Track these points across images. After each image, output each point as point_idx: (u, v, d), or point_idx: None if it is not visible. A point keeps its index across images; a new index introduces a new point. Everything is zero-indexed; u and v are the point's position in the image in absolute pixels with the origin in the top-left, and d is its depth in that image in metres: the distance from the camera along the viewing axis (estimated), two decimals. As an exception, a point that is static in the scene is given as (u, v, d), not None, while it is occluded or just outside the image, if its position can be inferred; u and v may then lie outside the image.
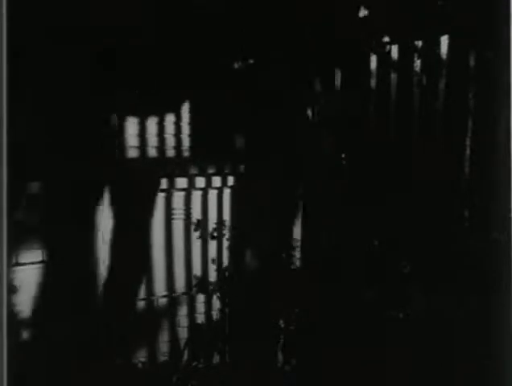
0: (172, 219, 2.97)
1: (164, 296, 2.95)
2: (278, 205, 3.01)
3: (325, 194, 2.95)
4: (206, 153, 3.10)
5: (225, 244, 3.05)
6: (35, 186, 2.55)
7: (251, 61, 2.94)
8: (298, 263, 3.06)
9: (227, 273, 2.93)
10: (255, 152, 3.07)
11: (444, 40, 2.37)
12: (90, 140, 2.72)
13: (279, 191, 3.03)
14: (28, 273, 2.54)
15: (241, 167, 3.11)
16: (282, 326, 2.63)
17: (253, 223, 3.01)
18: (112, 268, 2.73)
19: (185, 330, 3.00)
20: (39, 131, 2.57)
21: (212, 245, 3.06)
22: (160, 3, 2.69)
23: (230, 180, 3.10)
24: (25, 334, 2.54)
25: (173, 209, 2.97)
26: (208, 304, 3.02)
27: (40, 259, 2.57)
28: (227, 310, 2.92)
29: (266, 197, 2.87)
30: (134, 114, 2.84)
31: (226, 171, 3.15)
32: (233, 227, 2.99)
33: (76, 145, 2.68)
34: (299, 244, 3.06)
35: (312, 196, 2.99)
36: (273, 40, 2.97)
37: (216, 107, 3.07)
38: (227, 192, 3.10)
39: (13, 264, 2.47)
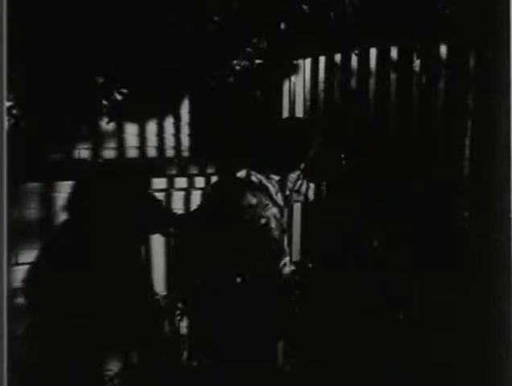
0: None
1: (164, 296, 2.96)
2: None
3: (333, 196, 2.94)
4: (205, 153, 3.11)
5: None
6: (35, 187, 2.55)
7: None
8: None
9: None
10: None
11: (444, 40, 2.37)
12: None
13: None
14: (28, 273, 2.54)
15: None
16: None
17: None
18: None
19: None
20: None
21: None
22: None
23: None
24: (25, 334, 2.54)
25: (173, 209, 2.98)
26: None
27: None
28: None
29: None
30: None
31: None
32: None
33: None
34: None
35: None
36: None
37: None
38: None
39: (13, 264, 2.47)
